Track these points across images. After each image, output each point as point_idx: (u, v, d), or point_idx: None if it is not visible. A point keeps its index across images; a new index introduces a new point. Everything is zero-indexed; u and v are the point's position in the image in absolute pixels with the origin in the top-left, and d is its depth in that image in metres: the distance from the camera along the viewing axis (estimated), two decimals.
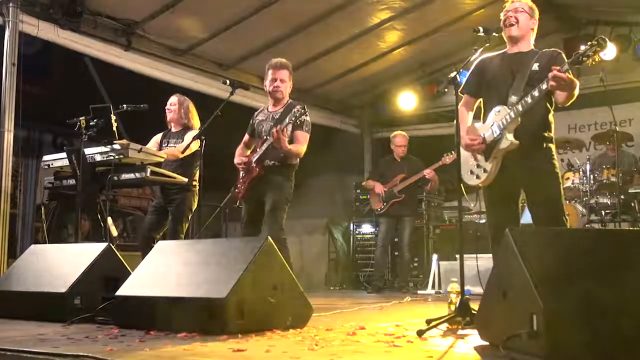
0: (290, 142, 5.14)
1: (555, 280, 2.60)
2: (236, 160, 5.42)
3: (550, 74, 3.75)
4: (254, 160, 5.22)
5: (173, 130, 6.16)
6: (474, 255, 6.25)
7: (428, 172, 8.31)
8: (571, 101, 3.98)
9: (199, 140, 5.19)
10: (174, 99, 6.15)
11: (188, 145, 5.53)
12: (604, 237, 3.27)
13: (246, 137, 5.55)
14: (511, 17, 4.15)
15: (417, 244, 9.38)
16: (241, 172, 5.35)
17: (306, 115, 5.18)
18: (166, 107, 6.14)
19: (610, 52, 8.43)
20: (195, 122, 6.14)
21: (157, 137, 6.20)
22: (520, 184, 4.13)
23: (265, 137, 5.18)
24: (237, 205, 5.48)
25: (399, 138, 8.81)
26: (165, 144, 6.07)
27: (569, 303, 2.51)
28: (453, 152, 8.09)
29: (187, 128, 6.09)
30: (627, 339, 2.46)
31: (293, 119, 5.02)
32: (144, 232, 6.02)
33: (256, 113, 5.54)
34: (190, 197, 5.87)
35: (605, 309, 2.51)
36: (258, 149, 5.24)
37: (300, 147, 5.19)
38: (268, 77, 5.34)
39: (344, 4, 8.02)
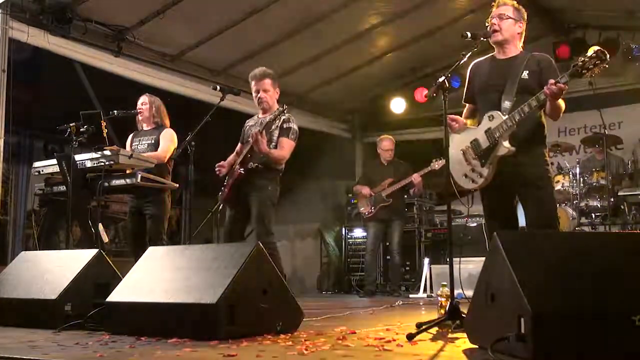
0: (275, 147, 5.20)
1: (542, 283, 2.62)
2: (217, 164, 5.44)
3: (546, 88, 3.79)
4: (237, 162, 5.23)
5: (145, 128, 6.15)
6: (465, 259, 6.30)
7: (415, 177, 8.33)
8: (559, 116, 4.05)
9: (175, 140, 5.50)
10: (144, 99, 6.14)
11: (168, 148, 5.75)
12: (593, 240, 3.30)
13: (239, 145, 5.56)
14: (495, 24, 4.16)
15: (408, 248, 9.40)
16: (227, 176, 5.38)
17: (292, 123, 5.27)
18: (137, 108, 6.11)
19: None
20: (167, 120, 6.16)
21: (129, 140, 6.20)
22: (514, 187, 4.15)
23: (249, 141, 5.20)
24: (218, 206, 5.48)
25: (386, 142, 8.83)
26: (137, 143, 6.04)
27: (557, 306, 2.53)
28: (442, 158, 8.15)
29: (159, 126, 6.09)
30: (614, 342, 2.48)
31: (278, 122, 5.16)
32: (131, 242, 6.00)
33: (247, 120, 5.58)
34: (165, 196, 5.86)
35: (593, 311, 2.53)
36: (242, 153, 5.26)
37: (283, 152, 5.21)
38: (252, 89, 5.40)
39: (334, 9, 8.05)
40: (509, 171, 4.08)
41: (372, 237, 8.73)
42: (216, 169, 5.41)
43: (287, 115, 5.25)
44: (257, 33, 8.25)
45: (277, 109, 5.20)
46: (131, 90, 7.12)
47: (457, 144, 4.26)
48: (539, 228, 4.00)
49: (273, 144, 5.21)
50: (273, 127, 5.19)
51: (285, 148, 5.22)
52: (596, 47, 3.79)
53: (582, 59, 3.77)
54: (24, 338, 3.57)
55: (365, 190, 8.66)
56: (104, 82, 8.11)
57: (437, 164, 8.15)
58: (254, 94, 5.39)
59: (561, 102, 4.00)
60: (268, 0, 7.63)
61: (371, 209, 8.58)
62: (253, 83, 5.37)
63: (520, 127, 4.04)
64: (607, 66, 3.77)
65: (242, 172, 5.15)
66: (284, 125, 5.25)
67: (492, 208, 4.30)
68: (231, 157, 5.51)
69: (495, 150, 4.07)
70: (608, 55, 3.73)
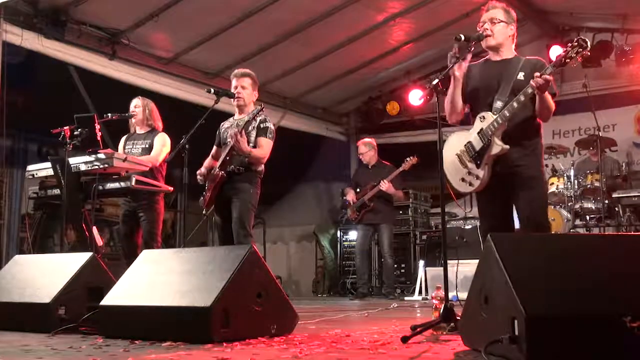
0: (254, 147, 5.23)
1: (536, 285, 2.62)
2: (197, 172, 5.45)
3: (532, 81, 3.81)
4: (217, 165, 5.25)
5: (138, 132, 6.14)
6: (460, 261, 6.32)
7: (382, 184, 8.30)
8: (549, 117, 4.06)
9: (169, 144, 5.57)
10: (137, 102, 6.14)
11: (161, 152, 5.77)
12: (586, 242, 3.30)
13: (214, 148, 5.61)
14: (487, 29, 4.16)
15: (403, 251, 9.42)
16: (207, 181, 5.39)
17: (269, 122, 5.34)
18: (130, 111, 6.10)
19: None
20: (159, 123, 6.15)
21: (122, 142, 6.19)
22: (509, 188, 4.14)
23: (228, 142, 5.22)
24: (204, 213, 5.50)
25: (360, 147, 8.85)
26: (130, 147, 6.03)
27: (550, 308, 2.53)
28: (413, 156, 8.17)
29: (153, 129, 6.09)
30: (607, 343, 2.49)
31: (255, 122, 5.19)
32: (124, 245, 5.99)
33: (222, 123, 5.61)
34: (159, 199, 5.85)
35: (586, 313, 2.54)
36: (222, 155, 5.28)
37: (262, 152, 5.26)
38: (232, 87, 5.44)
39: (330, 12, 8.07)
40: (504, 172, 4.08)
41: (360, 240, 8.77)
42: (198, 177, 5.42)
43: (263, 115, 5.29)
44: (252, 36, 8.26)
45: (255, 108, 5.21)
46: (125, 93, 7.12)
47: (452, 148, 4.26)
48: (530, 228, 4.00)
49: (251, 144, 5.24)
50: (250, 127, 5.23)
51: (265, 148, 5.28)
52: (578, 37, 3.86)
53: (565, 48, 3.85)
54: (17, 342, 3.56)
55: (350, 196, 8.68)
56: (98, 85, 8.11)
57: (407, 164, 8.19)
58: (232, 91, 5.43)
59: (550, 102, 4.00)
60: (263, 2, 7.64)
61: (356, 214, 8.60)
62: (234, 80, 5.44)
63: (514, 125, 4.04)
64: (588, 53, 3.83)
65: (223, 174, 5.18)
66: (261, 125, 5.29)
67: (487, 209, 4.29)
68: (208, 162, 5.54)
69: (489, 150, 4.06)
70: (589, 43, 3.79)
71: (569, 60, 3.81)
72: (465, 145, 4.19)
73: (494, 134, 4.02)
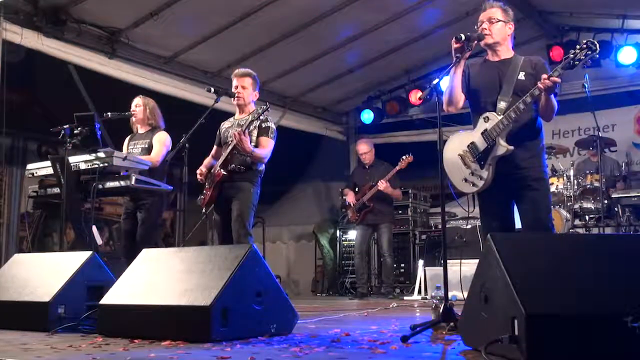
0: (255, 147, 5.22)
1: (536, 285, 2.62)
2: (198, 170, 5.44)
3: (540, 83, 3.82)
4: (218, 164, 5.25)
5: (140, 131, 6.13)
6: (460, 261, 6.31)
7: (380, 185, 8.29)
8: (552, 117, 4.06)
9: (169, 143, 5.59)
10: (138, 101, 6.12)
11: (160, 151, 5.76)
12: (586, 242, 3.30)
13: (214, 148, 5.60)
14: (485, 28, 4.16)
15: (403, 250, 9.42)
16: (207, 180, 5.38)
17: (270, 122, 5.34)
18: (131, 110, 6.10)
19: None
20: (161, 121, 6.14)
21: (125, 143, 6.18)
22: (512, 189, 4.14)
23: (229, 141, 5.21)
24: (203, 213, 5.49)
25: (360, 146, 8.84)
26: (132, 147, 6.02)
27: (550, 308, 2.53)
28: (408, 155, 8.17)
29: (154, 129, 6.08)
30: (607, 343, 2.49)
31: (257, 122, 5.19)
32: (124, 243, 5.98)
33: (223, 123, 5.60)
34: (158, 199, 5.85)
35: (586, 313, 2.53)
36: (223, 154, 5.28)
37: (264, 151, 5.25)
38: (232, 86, 5.45)
39: (330, 11, 8.06)
40: (508, 172, 4.07)
41: (358, 240, 8.75)
42: (197, 176, 5.41)
43: (264, 115, 5.28)
44: (252, 35, 8.26)
45: (260, 107, 5.20)
46: (125, 92, 7.13)
47: (454, 148, 4.25)
48: (534, 230, 4.00)
49: (252, 144, 5.23)
50: (251, 127, 5.23)
51: (266, 147, 5.28)
52: (586, 39, 3.88)
53: (574, 50, 3.85)
54: (17, 340, 3.56)
55: (349, 197, 8.67)
56: (98, 83, 8.10)
57: (403, 163, 8.19)
58: (233, 90, 5.43)
59: (554, 102, 4.00)
60: (263, 1, 7.64)
61: (357, 215, 8.59)
62: (235, 80, 5.44)
63: (518, 126, 4.04)
64: (597, 56, 3.84)
65: (224, 173, 5.18)
66: (263, 125, 5.30)
67: (488, 209, 4.28)
68: (207, 161, 5.53)
69: (493, 151, 4.05)
70: (598, 46, 3.80)
71: (577, 62, 3.82)
72: (468, 145, 4.18)
73: (499, 135, 4.02)
